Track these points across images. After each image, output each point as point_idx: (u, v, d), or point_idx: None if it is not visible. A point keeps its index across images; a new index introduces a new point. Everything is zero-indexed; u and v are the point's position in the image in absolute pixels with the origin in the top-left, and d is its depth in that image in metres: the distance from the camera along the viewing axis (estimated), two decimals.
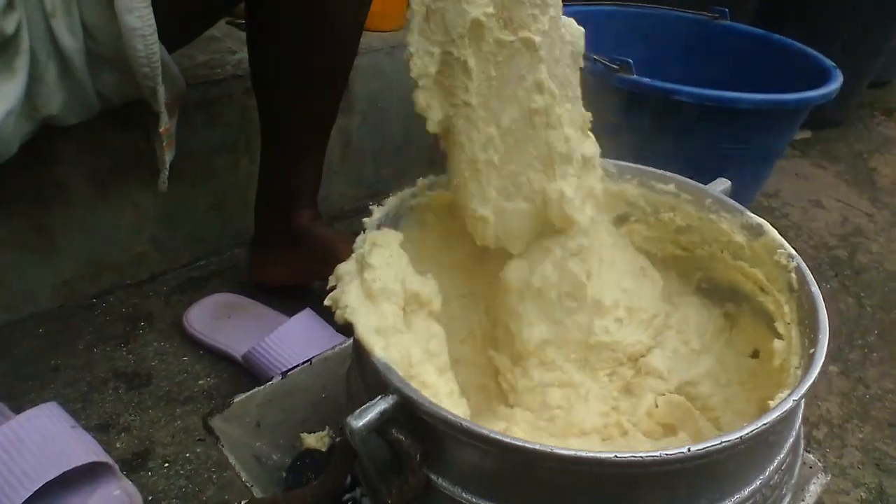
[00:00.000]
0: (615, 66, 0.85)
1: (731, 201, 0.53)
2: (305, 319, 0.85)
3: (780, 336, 0.46)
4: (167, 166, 0.84)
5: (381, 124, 1.21)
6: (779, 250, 0.48)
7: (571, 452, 0.34)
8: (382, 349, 0.38)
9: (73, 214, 0.90)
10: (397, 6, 1.20)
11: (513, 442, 0.34)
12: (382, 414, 0.35)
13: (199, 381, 0.85)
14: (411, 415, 0.36)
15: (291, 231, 0.92)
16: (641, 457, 0.33)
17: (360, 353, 0.41)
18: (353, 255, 0.46)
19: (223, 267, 1.05)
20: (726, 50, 1.14)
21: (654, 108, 0.86)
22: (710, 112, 0.85)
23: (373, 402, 0.35)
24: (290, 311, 0.90)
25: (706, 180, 0.72)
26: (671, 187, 0.55)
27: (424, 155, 1.31)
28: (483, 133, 0.44)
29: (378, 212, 0.49)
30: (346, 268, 0.45)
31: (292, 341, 0.82)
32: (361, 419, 0.34)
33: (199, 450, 0.77)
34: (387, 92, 1.18)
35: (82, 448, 0.68)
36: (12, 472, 0.62)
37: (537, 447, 0.34)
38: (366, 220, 0.49)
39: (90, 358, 0.87)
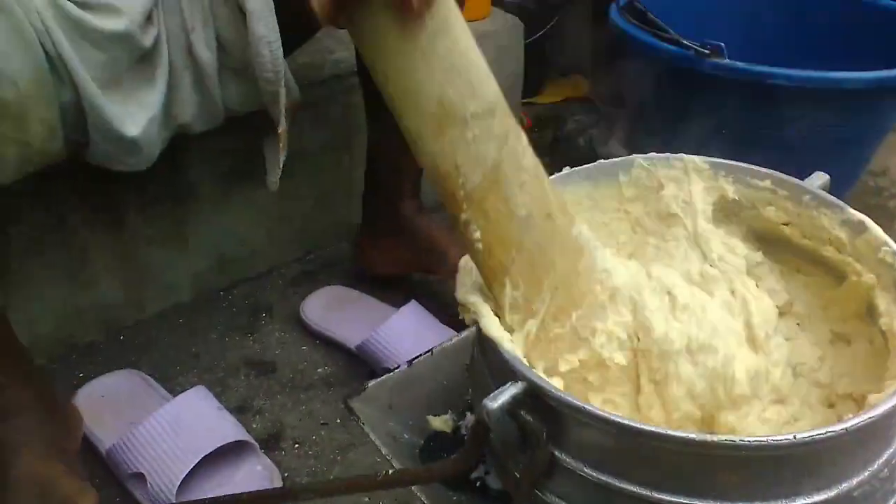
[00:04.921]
0: (706, 51, 0.85)
1: (831, 197, 0.53)
2: (411, 311, 0.92)
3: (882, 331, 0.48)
4: (280, 167, 0.92)
5: None
6: (883, 248, 0.48)
7: (682, 434, 0.38)
8: (510, 342, 0.43)
9: (202, 213, 1.00)
10: None
11: (629, 424, 0.38)
12: (513, 398, 0.40)
13: (318, 370, 0.94)
14: (538, 399, 0.40)
15: (396, 221, 0.98)
16: (748, 441, 0.37)
17: (485, 345, 0.46)
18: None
19: (331, 260, 1.13)
20: (824, 19, 1.10)
21: (748, 92, 0.86)
22: (810, 94, 0.84)
23: (504, 387, 0.40)
24: (395, 302, 0.97)
25: (806, 163, 0.72)
26: (767, 183, 0.55)
27: None
28: None
29: None
30: (466, 261, 0.49)
31: (401, 332, 0.89)
32: (496, 401, 0.39)
33: (323, 433, 0.85)
34: None
35: (229, 428, 0.77)
36: (176, 446, 0.72)
37: (651, 429, 0.38)
38: None
39: (223, 346, 0.97)
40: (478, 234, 0.41)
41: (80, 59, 0.65)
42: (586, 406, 0.39)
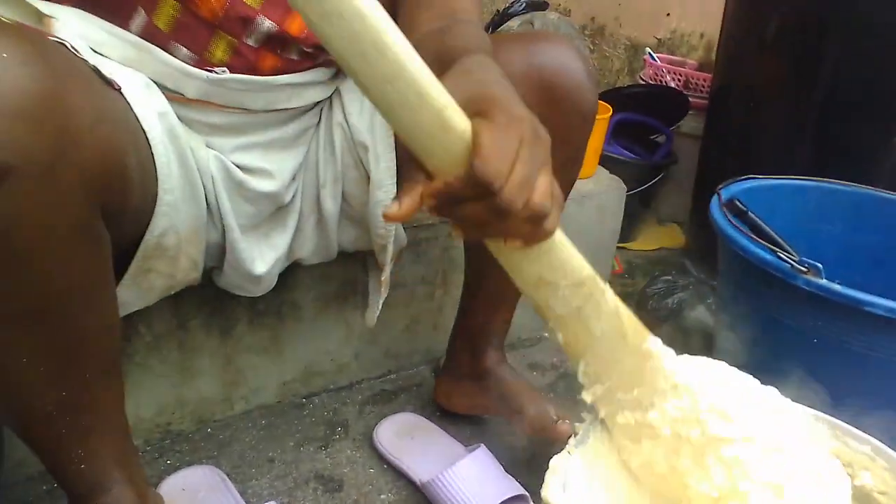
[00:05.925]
0: (803, 269, 0.87)
1: None
2: (479, 458, 0.95)
3: None
4: (379, 307, 1.00)
5: None
6: None
7: None
8: None
9: (300, 329, 1.08)
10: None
11: None
12: None
13: (381, 496, 0.98)
14: None
15: (479, 368, 1.03)
16: None
17: None
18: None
19: (411, 383, 1.18)
20: None
21: (843, 312, 0.86)
22: None
23: None
24: (465, 438, 1.02)
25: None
26: (867, 449, 0.57)
27: None
28: None
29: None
30: (556, 462, 0.55)
31: (466, 478, 0.92)
32: None
33: None
34: (572, 236, 1.28)
35: None
36: None
37: None
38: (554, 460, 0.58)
39: (297, 455, 1.03)
40: (560, 335, 0.53)
41: (233, 211, 0.76)
42: None
